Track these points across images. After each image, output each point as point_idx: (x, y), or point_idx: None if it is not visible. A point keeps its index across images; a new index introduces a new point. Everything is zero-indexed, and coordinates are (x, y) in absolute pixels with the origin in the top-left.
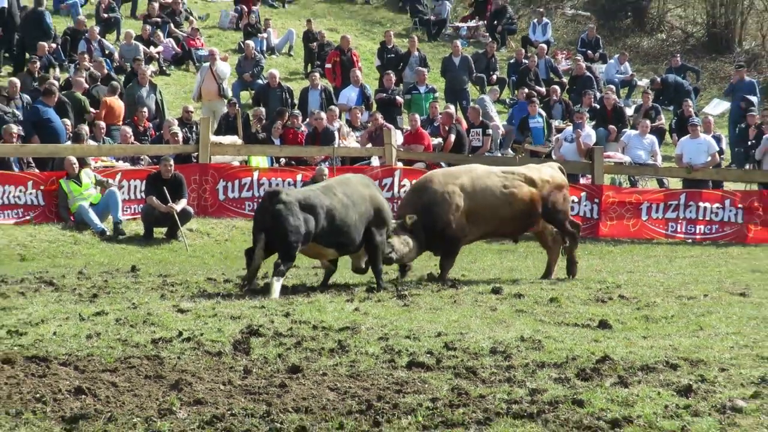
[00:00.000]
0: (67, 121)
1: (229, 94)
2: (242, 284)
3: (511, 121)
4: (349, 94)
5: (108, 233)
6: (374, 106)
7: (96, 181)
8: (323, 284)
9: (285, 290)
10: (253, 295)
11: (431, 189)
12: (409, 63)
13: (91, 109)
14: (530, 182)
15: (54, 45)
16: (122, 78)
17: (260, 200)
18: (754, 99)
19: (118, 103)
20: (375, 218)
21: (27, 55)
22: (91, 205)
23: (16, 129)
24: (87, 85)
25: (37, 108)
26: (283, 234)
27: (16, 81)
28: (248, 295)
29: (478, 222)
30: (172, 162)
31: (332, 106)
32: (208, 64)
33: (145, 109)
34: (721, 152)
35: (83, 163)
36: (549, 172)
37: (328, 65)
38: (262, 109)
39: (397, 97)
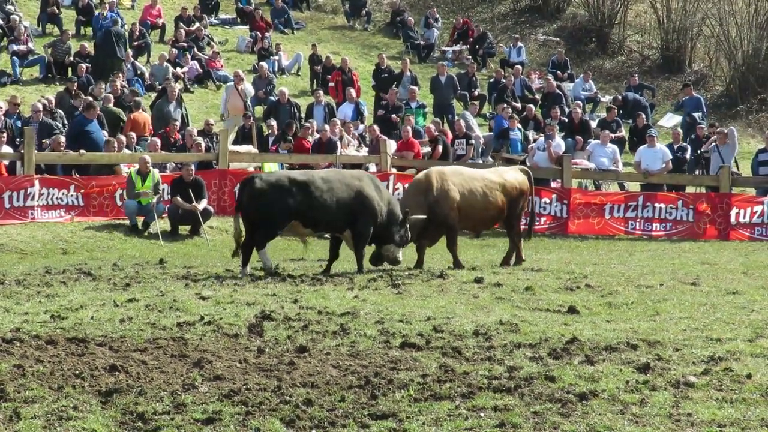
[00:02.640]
0: (105, 133)
1: (250, 110)
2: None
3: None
4: (346, 110)
5: (158, 231)
6: (368, 120)
7: (153, 184)
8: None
9: (293, 280)
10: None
11: (434, 187)
12: (402, 82)
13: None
14: (503, 188)
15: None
16: (153, 95)
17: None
18: (698, 114)
19: (142, 117)
20: (358, 207)
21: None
22: (140, 204)
23: (63, 140)
24: (120, 99)
25: (78, 121)
26: (257, 215)
27: (51, 98)
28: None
29: (463, 218)
30: (192, 167)
31: (334, 119)
32: (232, 84)
33: (177, 123)
34: (686, 160)
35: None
36: (519, 178)
37: (331, 84)
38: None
39: (393, 116)
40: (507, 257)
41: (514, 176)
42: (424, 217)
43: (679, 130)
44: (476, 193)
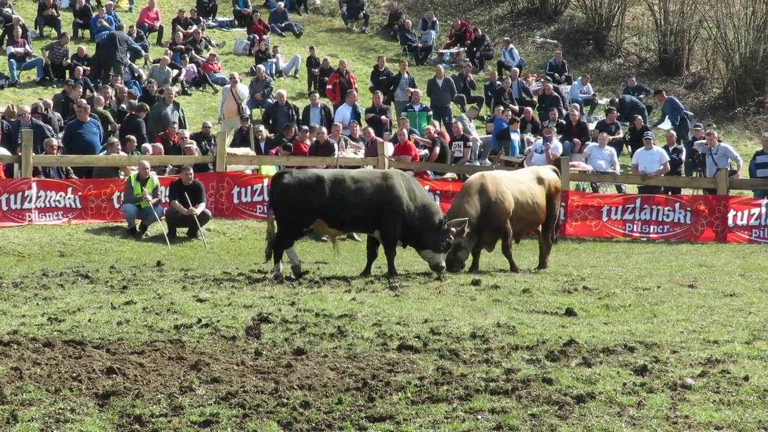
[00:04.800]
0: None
1: (247, 112)
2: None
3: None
4: (344, 112)
5: (164, 233)
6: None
7: (153, 189)
8: None
9: (290, 282)
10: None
11: (489, 191)
12: (400, 84)
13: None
14: (545, 189)
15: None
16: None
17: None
18: (675, 117)
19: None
20: (384, 206)
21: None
22: (139, 208)
23: (56, 142)
24: (116, 100)
25: (72, 124)
26: (280, 212)
27: (49, 101)
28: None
29: (513, 222)
30: (191, 170)
31: (336, 123)
32: (228, 86)
33: (176, 126)
34: (681, 162)
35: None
36: (555, 177)
37: (329, 86)
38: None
39: (383, 117)
40: (543, 259)
41: (552, 176)
42: (466, 219)
43: (673, 132)
44: (525, 196)
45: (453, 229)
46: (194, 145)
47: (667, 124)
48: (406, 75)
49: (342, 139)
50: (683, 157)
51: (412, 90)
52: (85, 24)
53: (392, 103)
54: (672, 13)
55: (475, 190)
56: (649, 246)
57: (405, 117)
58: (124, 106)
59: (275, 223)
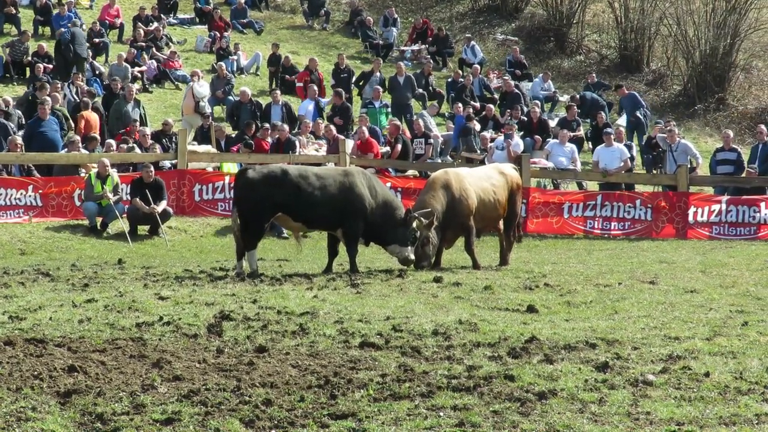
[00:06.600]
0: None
1: (207, 110)
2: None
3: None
4: (307, 107)
5: (125, 231)
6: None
7: (113, 186)
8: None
9: (252, 280)
10: (231, 281)
11: (453, 187)
12: (370, 81)
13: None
14: (506, 185)
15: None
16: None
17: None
18: (640, 112)
19: (93, 117)
20: (347, 205)
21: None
22: (100, 206)
23: (20, 140)
24: (76, 99)
25: (33, 122)
26: (244, 208)
27: (9, 98)
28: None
29: (476, 219)
30: (152, 168)
31: (307, 120)
32: (191, 84)
33: (137, 124)
34: (632, 158)
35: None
36: (516, 174)
37: (299, 84)
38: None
39: (335, 119)
40: (504, 256)
41: (513, 173)
42: (429, 210)
43: (622, 129)
44: (487, 193)
45: (423, 219)
46: (128, 145)
47: (623, 120)
48: (378, 73)
49: (306, 135)
50: (633, 152)
51: (377, 87)
52: (45, 21)
53: (360, 98)
54: (632, 10)
55: (440, 186)
56: (610, 243)
57: (365, 114)
58: (87, 99)
59: (239, 220)
